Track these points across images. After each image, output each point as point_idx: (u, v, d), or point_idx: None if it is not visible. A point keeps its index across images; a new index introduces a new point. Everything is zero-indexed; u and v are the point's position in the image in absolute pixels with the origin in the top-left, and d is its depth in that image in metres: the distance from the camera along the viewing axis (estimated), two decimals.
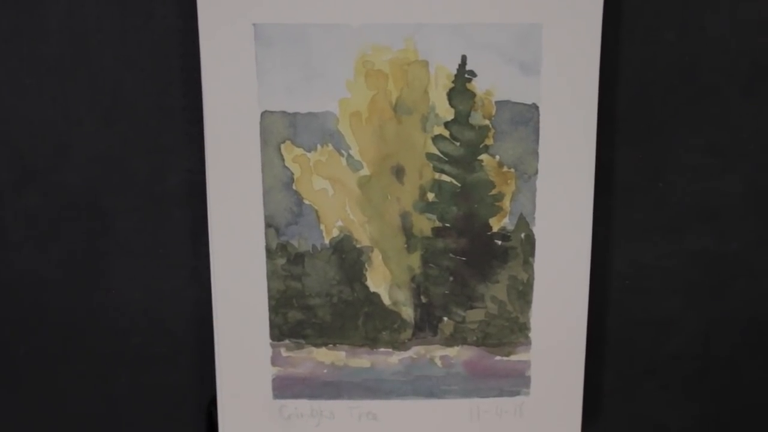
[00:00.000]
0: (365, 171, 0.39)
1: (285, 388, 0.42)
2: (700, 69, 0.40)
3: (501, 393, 0.42)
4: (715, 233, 0.42)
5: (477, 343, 0.42)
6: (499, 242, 0.40)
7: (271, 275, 0.40)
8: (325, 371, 0.42)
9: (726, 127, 0.41)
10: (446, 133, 0.39)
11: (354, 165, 0.39)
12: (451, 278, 0.41)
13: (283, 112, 0.39)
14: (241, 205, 0.40)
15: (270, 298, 0.41)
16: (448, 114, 0.39)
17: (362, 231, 0.40)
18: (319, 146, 0.39)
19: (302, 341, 0.41)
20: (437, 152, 0.39)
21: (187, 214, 0.41)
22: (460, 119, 0.39)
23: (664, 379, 0.44)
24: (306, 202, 0.40)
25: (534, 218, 0.40)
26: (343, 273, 0.41)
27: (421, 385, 0.42)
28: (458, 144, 0.39)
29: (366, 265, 0.41)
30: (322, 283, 0.41)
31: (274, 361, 0.41)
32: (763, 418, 0.45)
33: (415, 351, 0.42)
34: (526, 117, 0.39)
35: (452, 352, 0.42)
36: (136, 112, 0.40)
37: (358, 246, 0.40)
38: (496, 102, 0.39)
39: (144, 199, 0.41)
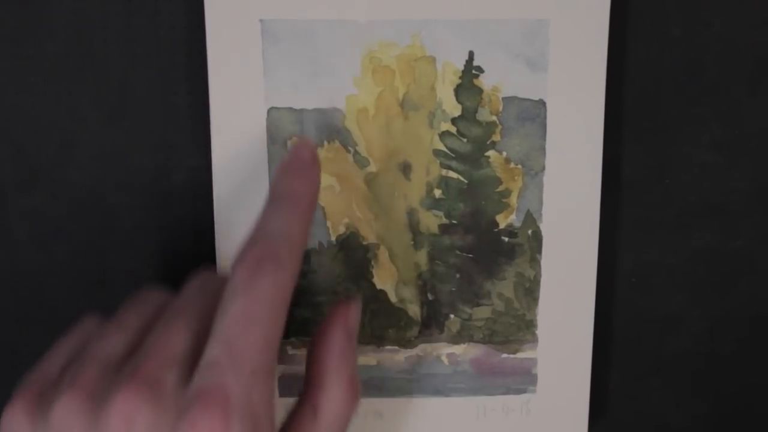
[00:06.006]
0: (372, 168, 0.39)
1: (291, 386, 0.42)
2: (707, 66, 0.40)
3: (507, 391, 0.42)
4: (721, 230, 0.42)
5: (484, 341, 0.41)
6: (506, 239, 0.40)
7: None
8: None
9: (733, 123, 0.41)
10: (453, 130, 0.39)
11: (361, 162, 0.39)
12: (458, 275, 0.41)
13: (290, 109, 0.39)
14: (248, 203, 0.39)
15: None
16: (455, 110, 0.39)
17: (369, 228, 0.40)
18: (325, 143, 0.39)
19: (309, 339, 0.41)
20: (444, 148, 0.39)
21: (193, 212, 0.41)
22: (468, 115, 0.39)
23: (671, 377, 0.44)
24: None
25: (541, 215, 0.40)
26: (349, 270, 0.40)
27: (428, 383, 0.42)
28: (465, 140, 0.39)
29: (372, 263, 0.40)
30: (329, 280, 0.40)
31: (281, 359, 0.41)
32: None
33: (421, 349, 0.42)
34: (533, 113, 0.39)
35: (459, 349, 0.42)
36: (141, 109, 0.40)
37: (364, 243, 0.40)
38: (503, 98, 0.39)
39: (149, 197, 0.41)
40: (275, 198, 0.35)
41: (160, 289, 0.37)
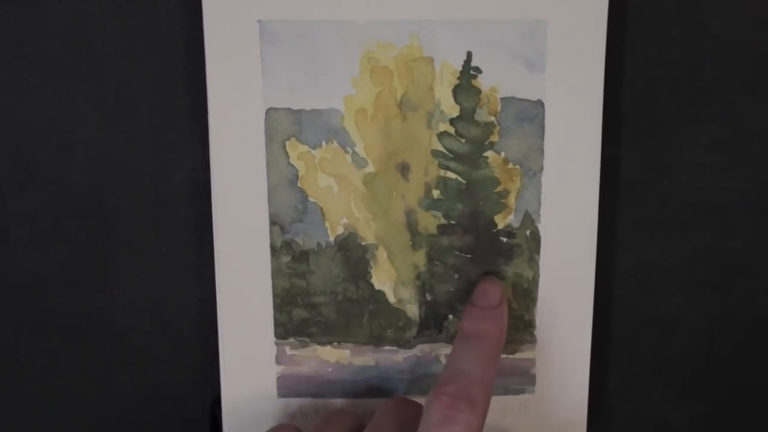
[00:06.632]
0: (370, 168, 0.39)
1: (289, 386, 0.42)
2: (705, 66, 0.40)
3: (506, 391, 0.42)
4: (720, 231, 0.42)
5: None
6: (505, 239, 0.40)
7: (276, 273, 0.40)
8: (330, 369, 0.42)
9: (731, 124, 0.41)
10: (451, 130, 0.39)
11: (359, 162, 0.39)
12: (457, 276, 0.41)
13: (288, 109, 0.39)
14: (246, 203, 0.40)
15: (275, 296, 0.41)
16: (454, 111, 0.39)
17: (367, 228, 0.40)
18: (324, 143, 0.39)
19: (307, 339, 0.41)
20: (442, 149, 0.39)
21: (192, 213, 0.41)
22: (466, 116, 0.39)
23: (669, 377, 0.44)
24: (311, 199, 0.40)
25: (539, 215, 0.40)
26: (347, 271, 0.40)
27: (426, 384, 0.42)
28: (463, 141, 0.39)
29: (371, 263, 0.40)
30: (327, 281, 0.41)
31: (279, 359, 0.41)
32: None
33: (420, 349, 0.42)
34: (532, 113, 0.39)
35: None
36: (139, 110, 0.40)
37: (363, 243, 0.40)
38: (502, 98, 0.39)
39: (148, 198, 0.41)
40: (467, 336, 0.38)
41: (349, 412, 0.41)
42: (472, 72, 0.38)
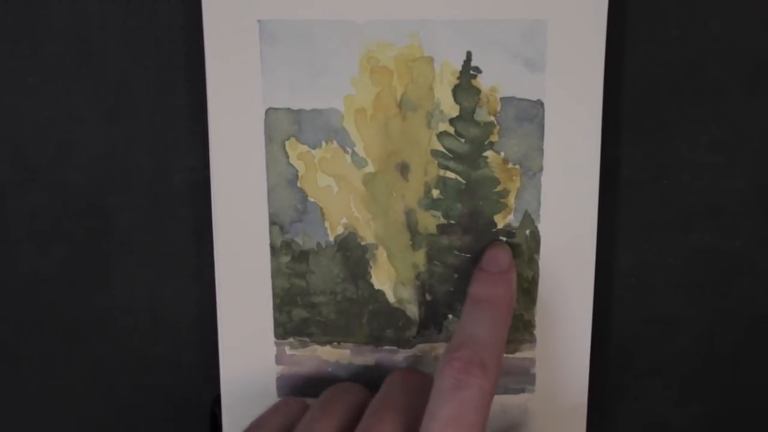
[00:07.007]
0: (370, 168, 0.39)
1: (289, 386, 0.42)
2: (705, 66, 0.40)
3: (506, 390, 0.42)
4: (720, 230, 0.42)
5: None
6: (504, 239, 0.40)
7: (276, 273, 0.40)
8: (330, 369, 0.42)
9: (731, 124, 0.41)
10: (451, 130, 0.39)
11: (359, 162, 0.39)
12: (456, 276, 0.41)
13: (288, 109, 0.39)
14: (246, 203, 0.40)
15: (274, 296, 0.41)
16: (453, 110, 0.39)
17: (367, 228, 0.40)
18: (323, 143, 0.39)
19: (307, 339, 0.41)
20: (442, 149, 0.39)
21: (191, 212, 0.41)
22: (465, 116, 0.39)
23: (669, 377, 0.44)
24: (310, 199, 0.40)
25: (539, 215, 0.40)
26: (347, 271, 0.40)
27: None
28: (463, 140, 0.39)
29: (371, 263, 0.40)
30: (327, 280, 0.41)
31: (279, 359, 0.41)
32: None
33: (419, 349, 0.42)
34: (531, 113, 0.39)
35: None
36: (139, 110, 0.40)
37: (362, 243, 0.40)
38: (501, 98, 0.39)
39: (147, 198, 0.41)
40: (477, 301, 0.38)
41: (357, 384, 0.40)
42: (471, 72, 0.38)
